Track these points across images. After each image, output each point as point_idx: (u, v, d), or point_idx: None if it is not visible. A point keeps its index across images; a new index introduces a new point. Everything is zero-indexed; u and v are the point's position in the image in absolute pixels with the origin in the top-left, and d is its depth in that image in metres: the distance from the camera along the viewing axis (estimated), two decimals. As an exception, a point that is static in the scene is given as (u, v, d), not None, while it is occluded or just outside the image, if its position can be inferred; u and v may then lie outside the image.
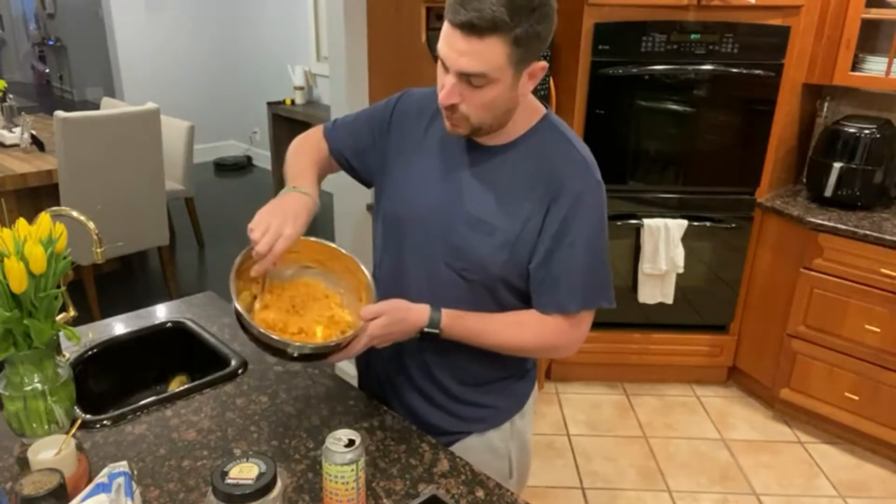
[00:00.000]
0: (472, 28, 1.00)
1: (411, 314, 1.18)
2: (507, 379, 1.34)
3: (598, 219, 1.19)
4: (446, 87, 1.07)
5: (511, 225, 1.17)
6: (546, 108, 1.23)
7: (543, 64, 1.10)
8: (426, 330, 1.18)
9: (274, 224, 1.11)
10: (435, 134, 1.26)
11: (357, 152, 1.35)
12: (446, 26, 1.04)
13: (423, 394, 1.33)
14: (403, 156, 1.29)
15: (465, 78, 1.05)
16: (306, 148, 1.37)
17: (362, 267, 1.25)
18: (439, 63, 1.09)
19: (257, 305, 1.18)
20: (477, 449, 1.32)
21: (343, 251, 1.26)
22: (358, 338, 1.13)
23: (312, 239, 1.24)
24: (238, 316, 1.11)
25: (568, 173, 1.16)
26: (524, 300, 1.24)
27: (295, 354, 1.10)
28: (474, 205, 1.19)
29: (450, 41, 1.04)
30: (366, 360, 1.42)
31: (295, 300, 1.21)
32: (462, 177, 1.21)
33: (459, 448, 1.30)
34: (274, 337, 1.08)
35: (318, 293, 1.24)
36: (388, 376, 1.37)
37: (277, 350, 1.11)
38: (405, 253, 1.27)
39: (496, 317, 1.22)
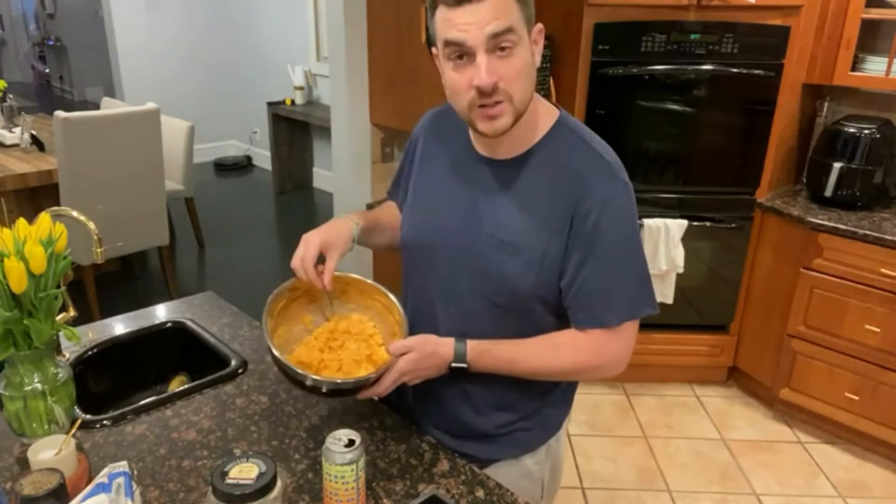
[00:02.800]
0: None
1: (441, 348, 1.15)
2: (543, 404, 1.28)
3: (630, 223, 1.12)
4: (481, 65, 1.00)
5: (536, 242, 1.11)
6: (559, 109, 1.17)
7: (541, 26, 1.07)
8: (453, 365, 1.15)
9: (308, 254, 1.16)
10: (448, 154, 1.22)
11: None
12: (446, 13, 1.00)
13: (458, 423, 1.28)
14: (417, 177, 1.26)
15: (494, 45, 1.00)
16: (383, 206, 1.41)
17: (396, 303, 1.24)
18: (448, 64, 1.04)
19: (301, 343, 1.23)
20: (510, 474, 1.26)
21: (382, 288, 1.27)
22: (387, 374, 1.12)
23: (354, 276, 1.28)
24: (271, 353, 1.14)
25: (591, 179, 1.10)
26: (563, 319, 1.18)
27: (324, 390, 1.10)
28: (496, 226, 1.14)
29: (464, 18, 0.99)
30: (397, 391, 1.34)
31: (334, 336, 1.23)
32: (479, 198, 1.16)
33: (490, 472, 1.23)
34: (303, 373, 1.09)
35: (366, 330, 1.24)
36: (421, 406, 1.32)
37: (307, 385, 1.10)
38: (430, 283, 1.23)
39: (528, 343, 1.16)
